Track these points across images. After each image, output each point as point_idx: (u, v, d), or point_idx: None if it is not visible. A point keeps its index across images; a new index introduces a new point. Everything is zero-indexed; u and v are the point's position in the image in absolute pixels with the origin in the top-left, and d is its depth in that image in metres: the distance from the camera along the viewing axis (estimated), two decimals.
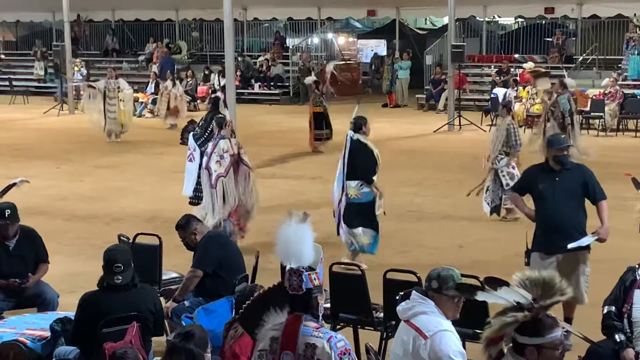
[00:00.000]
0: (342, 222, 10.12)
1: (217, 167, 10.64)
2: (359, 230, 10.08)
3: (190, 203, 11.74)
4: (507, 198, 11.64)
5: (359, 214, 10.05)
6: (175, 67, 29.13)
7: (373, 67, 32.00)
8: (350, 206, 10.05)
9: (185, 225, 7.53)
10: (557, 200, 7.56)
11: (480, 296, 4.40)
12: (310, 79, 19.50)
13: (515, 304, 4.20)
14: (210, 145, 10.78)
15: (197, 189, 11.92)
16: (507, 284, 4.29)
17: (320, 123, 18.55)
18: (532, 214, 7.88)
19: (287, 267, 4.46)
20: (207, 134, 12.04)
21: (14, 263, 7.70)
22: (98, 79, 26.91)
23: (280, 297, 5.07)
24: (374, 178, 10.03)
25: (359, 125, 10.09)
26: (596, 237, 7.51)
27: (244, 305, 5.14)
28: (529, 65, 23.78)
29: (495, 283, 4.19)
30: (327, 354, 4.36)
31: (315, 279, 4.47)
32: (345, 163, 9.99)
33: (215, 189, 10.64)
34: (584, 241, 7.46)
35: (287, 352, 4.41)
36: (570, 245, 7.42)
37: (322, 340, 4.39)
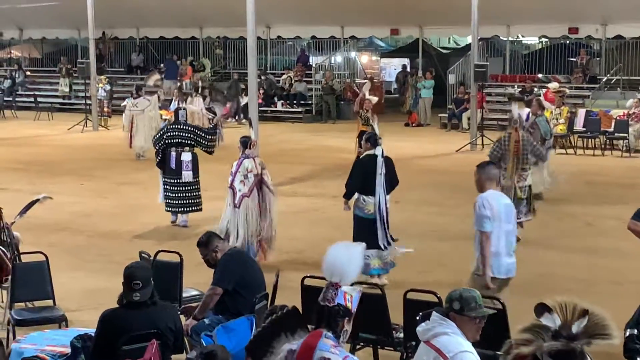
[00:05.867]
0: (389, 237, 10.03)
1: (241, 186, 10.68)
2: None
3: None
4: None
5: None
6: (180, 69, 29.45)
7: (402, 82, 31.51)
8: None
9: (206, 242, 7.53)
10: None
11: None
12: (363, 94, 18.96)
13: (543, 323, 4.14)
14: (234, 164, 10.82)
15: (167, 195, 13.00)
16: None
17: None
18: None
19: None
20: (156, 137, 13.26)
21: None
22: (123, 95, 27.20)
23: (292, 322, 5.07)
24: None
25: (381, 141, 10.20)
26: None
27: (254, 333, 5.13)
28: (553, 85, 23.65)
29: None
30: None
31: (349, 301, 4.52)
32: (384, 179, 9.94)
33: (238, 208, 10.69)
34: None
35: None
36: None
37: (337, 357, 4.41)
